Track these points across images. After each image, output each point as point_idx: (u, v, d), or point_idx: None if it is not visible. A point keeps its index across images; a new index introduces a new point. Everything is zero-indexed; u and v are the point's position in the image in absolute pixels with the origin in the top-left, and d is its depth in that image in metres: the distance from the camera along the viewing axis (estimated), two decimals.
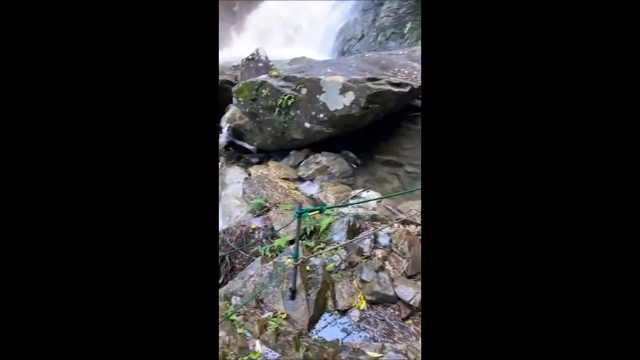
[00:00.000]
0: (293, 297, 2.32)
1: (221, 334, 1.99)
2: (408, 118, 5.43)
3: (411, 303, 2.34)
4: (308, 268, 2.52)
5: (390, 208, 3.59)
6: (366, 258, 2.72)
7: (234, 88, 4.94)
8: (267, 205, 3.55)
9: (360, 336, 2.20)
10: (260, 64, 5.99)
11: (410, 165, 4.66)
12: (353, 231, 3.05)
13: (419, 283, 2.49)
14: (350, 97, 4.14)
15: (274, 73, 4.66)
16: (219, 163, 5.05)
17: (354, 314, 2.34)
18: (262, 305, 2.35)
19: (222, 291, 2.54)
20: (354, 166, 4.70)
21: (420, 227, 3.07)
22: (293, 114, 4.45)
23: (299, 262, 2.27)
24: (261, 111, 4.66)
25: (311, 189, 4.20)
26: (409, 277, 2.58)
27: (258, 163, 4.95)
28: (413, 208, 3.46)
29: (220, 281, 2.79)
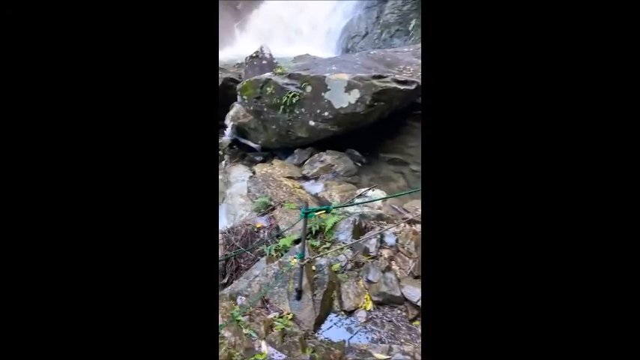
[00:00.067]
0: (299, 297, 2.30)
1: (227, 334, 1.98)
2: (413, 116, 5.38)
3: (418, 304, 2.31)
4: (314, 268, 2.50)
5: (396, 207, 3.56)
6: (373, 258, 2.69)
7: (238, 86, 4.92)
8: (272, 203, 3.53)
9: (367, 337, 2.18)
10: (264, 62, 5.96)
11: (415, 163, 4.62)
12: (359, 230, 3.03)
13: None
14: (355, 94, 4.10)
15: (279, 70, 4.63)
16: (224, 162, 5.03)
17: (361, 315, 2.31)
18: (268, 305, 2.34)
19: (227, 291, 2.52)
20: (359, 164, 4.67)
21: None
22: (298, 112, 4.42)
23: (305, 262, 2.25)
24: (265, 109, 4.63)
25: (316, 188, 4.17)
26: (416, 278, 2.55)
27: (263, 161, 4.93)
28: (419, 207, 3.43)
29: (225, 281, 2.77)
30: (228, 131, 5.30)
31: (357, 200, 3.63)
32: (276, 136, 4.80)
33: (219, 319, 2.07)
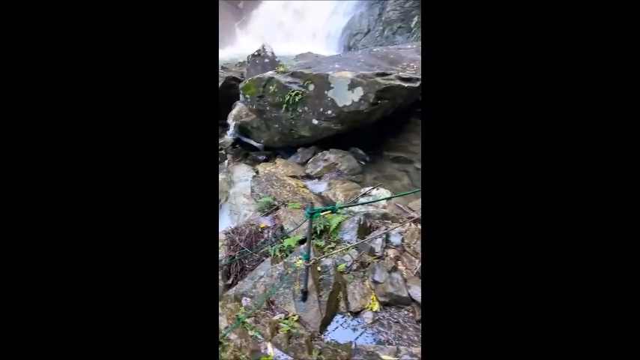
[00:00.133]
0: (304, 298, 2.27)
1: (232, 336, 1.95)
2: (416, 113, 5.34)
3: None
4: (319, 268, 2.47)
5: (401, 206, 3.53)
6: (378, 258, 2.66)
7: (240, 85, 4.90)
8: (276, 203, 3.50)
9: (374, 338, 2.15)
10: (266, 60, 5.92)
11: (419, 162, 4.58)
12: (364, 230, 3.00)
13: None
14: (359, 92, 4.06)
15: (281, 69, 4.60)
16: (226, 161, 5.01)
17: (367, 316, 2.29)
18: (273, 307, 2.31)
19: (232, 292, 2.50)
20: (363, 163, 4.63)
21: None
22: (300, 110, 4.39)
23: (311, 263, 2.22)
24: (268, 108, 4.60)
25: (319, 187, 4.14)
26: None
27: (265, 160, 4.91)
28: None
29: (230, 282, 2.75)
30: (230, 130, 5.28)
31: (361, 199, 3.60)
32: (279, 134, 4.77)
33: (225, 321, 2.05)
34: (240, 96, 4.89)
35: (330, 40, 10.65)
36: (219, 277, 2.78)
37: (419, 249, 2.69)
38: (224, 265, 2.82)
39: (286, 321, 2.18)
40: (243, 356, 1.89)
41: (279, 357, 1.92)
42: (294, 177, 4.22)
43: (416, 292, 2.36)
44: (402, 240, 2.83)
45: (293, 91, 4.32)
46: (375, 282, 2.46)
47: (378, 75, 4.15)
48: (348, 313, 2.31)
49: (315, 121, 4.35)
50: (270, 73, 4.65)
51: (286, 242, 2.81)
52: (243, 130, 5.16)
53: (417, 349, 2.03)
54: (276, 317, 2.23)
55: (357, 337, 2.18)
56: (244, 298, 2.39)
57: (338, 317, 2.28)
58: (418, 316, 2.27)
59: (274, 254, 2.78)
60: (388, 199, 3.48)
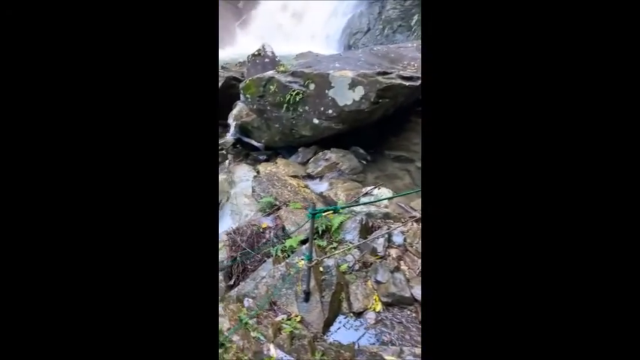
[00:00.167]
0: (307, 299, 2.26)
1: (235, 338, 1.94)
2: (417, 112, 5.32)
3: None
4: (321, 269, 2.46)
5: (403, 205, 3.51)
6: (381, 258, 2.65)
7: (241, 85, 4.88)
8: (277, 203, 3.49)
9: (377, 339, 2.14)
10: (266, 60, 5.91)
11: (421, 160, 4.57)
12: (366, 230, 2.98)
13: None
14: (359, 91, 4.05)
15: (282, 68, 4.58)
16: (227, 161, 4.99)
17: (370, 316, 2.27)
18: (276, 308, 2.30)
19: (234, 292, 2.49)
20: (364, 162, 4.62)
21: None
22: (301, 110, 4.37)
23: (313, 263, 2.21)
24: (268, 107, 4.59)
25: (320, 186, 4.13)
26: None
27: (266, 160, 4.89)
28: None
29: (232, 282, 2.74)
30: (231, 130, 5.27)
31: (363, 199, 3.58)
32: (279, 134, 4.76)
33: (227, 322, 2.04)
34: (241, 96, 4.87)
35: (330, 39, 10.63)
36: (221, 277, 2.77)
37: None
38: (226, 266, 2.81)
39: (289, 322, 2.17)
40: (246, 358, 1.88)
41: (281, 358, 1.91)
42: (295, 177, 4.20)
43: (419, 292, 2.34)
44: (405, 240, 2.81)
45: (294, 91, 4.31)
46: (378, 282, 2.45)
47: (379, 74, 4.14)
48: (351, 314, 2.30)
49: (315, 121, 4.34)
50: (270, 73, 4.64)
51: (288, 242, 2.80)
52: (243, 130, 5.15)
53: (420, 350, 2.01)
54: (278, 318, 2.22)
55: (360, 338, 2.17)
56: (246, 299, 2.38)
57: (340, 318, 2.27)
58: (421, 317, 2.26)
59: (276, 255, 2.77)
60: (390, 198, 3.47)
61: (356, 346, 2.08)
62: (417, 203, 3.51)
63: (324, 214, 2.93)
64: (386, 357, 1.97)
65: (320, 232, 2.93)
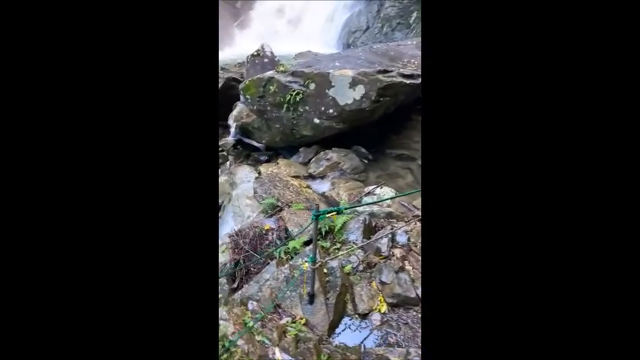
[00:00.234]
0: (311, 301, 2.24)
1: (239, 342, 1.92)
2: (418, 110, 5.30)
3: None
4: (325, 270, 2.44)
5: (406, 204, 3.49)
6: (385, 258, 2.63)
7: (240, 86, 4.86)
8: (280, 204, 3.47)
9: (383, 341, 2.12)
10: (265, 60, 5.88)
11: None
12: (369, 230, 2.96)
13: None
14: (360, 90, 4.02)
15: (281, 68, 4.56)
16: (228, 162, 4.97)
17: (375, 318, 2.25)
18: (280, 310, 2.28)
19: (238, 296, 2.47)
20: (366, 161, 4.60)
21: None
22: (302, 110, 4.35)
23: (317, 265, 2.18)
24: (269, 108, 4.56)
25: (322, 186, 4.11)
26: None
27: (267, 161, 4.87)
28: None
29: (236, 285, 2.72)
30: (231, 131, 5.24)
31: (365, 198, 3.56)
32: (280, 134, 4.74)
33: (231, 326, 2.02)
34: (241, 97, 4.85)
35: (328, 37, 10.58)
36: (225, 280, 2.75)
37: None
38: (230, 269, 2.79)
39: (293, 325, 2.15)
40: None
41: None
42: (296, 177, 4.18)
43: None
44: (408, 239, 2.79)
45: (294, 91, 4.29)
46: (383, 283, 2.42)
47: (380, 72, 4.11)
48: (356, 316, 2.28)
49: (316, 121, 4.32)
50: (270, 73, 4.61)
51: (291, 244, 2.78)
52: (244, 130, 5.12)
53: None
54: (283, 321, 2.20)
55: (366, 340, 2.15)
56: (250, 302, 2.36)
57: (346, 320, 2.25)
58: None
59: (279, 257, 2.74)
60: (392, 198, 3.44)
61: (362, 349, 2.06)
62: (419, 202, 3.49)
63: (327, 215, 2.90)
64: (392, 359, 1.95)
65: (323, 233, 2.91)
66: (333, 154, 4.41)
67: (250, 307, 2.34)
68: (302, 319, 2.20)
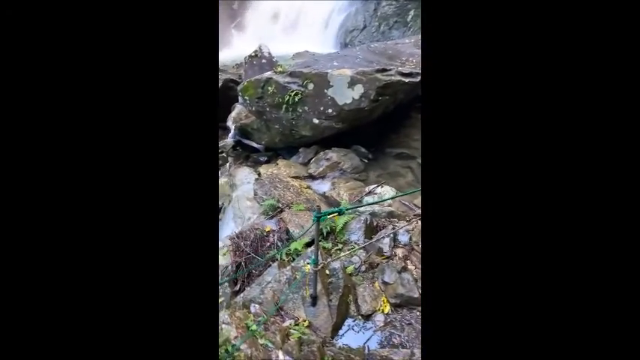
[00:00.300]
0: (314, 303, 2.22)
1: (242, 346, 1.90)
2: (417, 108, 5.28)
3: None
4: (327, 272, 2.42)
5: (407, 203, 3.48)
6: (387, 258, 2.61)
7: (239, 87, 4.84)
8: (280, 205, 3.45)
9: (387, 342, 2.10)
10: (263, 61, 5.86)
11: None
12: (370, 230, 2.95)
13: None
14: (359, 90, 4.01)
15: (279, 69, 4.54)
16: (228, 164, 4.96)
17: (379, 319, 2.24)
18: (283, 313, 2.26)
19: (240, 298, 2.45)
20: (366, 160, 4.58)
21: None
22: (301, 110, 4.34)
23: (319, 267, 2.17)
24: (267, 109, 4.55)
25: (323, 186, 4.09)
26: None
27: (267, 161, 4.86)
28: None
29: (237, 288, 2.70)
30: (230, 133, 5.23)
31: (366, 198, 3.55)
32: (279, 135, 4.72)
33: (234, 330, 2.00)
34: (239, 98, 4.83)
35: (326, 37, 10.56)
36: (227, 284, 2.73)
37: None
38: (231, 272, 2.77)
39: (296, 327, 2.14)
40: None
41: None
42: (297, 178, 4.17)
43: None
44: (410, 238, 2.78)
45: (292, 91, 4.27)
46: (385, 283, 2.41)
47: (378, 71, 4.10)
48: (359, 317, 2.26)
49: (315, 121, 4.30)
50: (268, 74, 4.60)
51: (293, 246, 2.76)
52: (243, 132, 5.11)
53: None
54: (286, 324, 2.18)
55: (370, 341, 2.13)
56: (253, 304, 2.34)
57: (349, 321, 2.24)
58: None
59: (281, 258, 2.73)
60: (394, 198, 3.43)
61: (366, 350, 2.04)
62: (420, 201, 3.47)
63: (330, 216, 2.89)
64: None
65: (324, 233, 2.90)
66: (333, 154, 4.39)
67: (253, 310, 2.32)
68: (305, 321, 2.19)
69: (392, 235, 2.78)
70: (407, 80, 4.18)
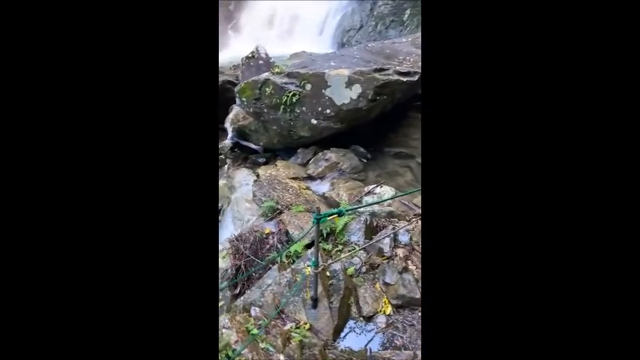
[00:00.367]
0: (315, 306, 2.21)
1: (243, 351, 1.89)
2: (415, 107, 5.27)
3: None
4: (328, 273, 2.41)
5: (407, 202, 3.46)
6: (388, 259, 2.60)
7: (236, 88, 4.81)
8: (279, 207, 3.43)
9: (390, 343, 2.09)
10: (260, 62, 5.84)
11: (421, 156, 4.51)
12: (370, 230, 2.93)
13: None
14: (357, 90, 3.99)
15: (277, 70, 4.52)
16: (226, 166, 4.94)
17: (380, 320, 2.22)
18: (283, 316, 2.24)
19: (240, 302, 2.43)
20: (365, 160, 4.56)
21: None
22: (298, 111, 4.31)
23: (320, 269, 2.15)
24: (265, 110, 4.52)
25: (322, 187, 4.07)
26: None
27: (265, 163, 4.83)
28: None
29: (237, 291, 2.68)
30: (228, 134, 5.20)
31: (366, 198, 3.53)
32: (277, 136, 4.70)
33: (234, 334, 1.98)
34: (237, 99, 4.81)
35: (322, 37, 10.54)
36: (227, 287, 2.71)
37: None
38: (231, 275, 2.75)
39: (298, 330, 2.12)
40: None
41: None
42: (295, 179, 4.15)
43: None
44: (411, 238, 2.76)
45: (290, 92, 4.25)
46: (386, 284, 2.39)
47: (376, 71, 4.08)
48: (361, 318, 2.25)
49: (313, 121, 4.28)
50: (265, 75, 4.57)
51: (293, 248, 2.74)
52: (241, 133, 5.09)
53: None
54: (287, 327, 2.16)
55: (372, 343, 2.11)
56: (253, 308, 2.32)
57: (351, 323, 2.22)
58: None
59: (281, 261, 2.71)
60: (393, 198, 3.41)
61: (368, 352, 2.03)
62: (419, 200, 3.46)
63: (330, 217, 2.87)
64: None
65: (324, 234, 2.88)
66: (332, 155, 4.37)
67: (253, 313, 2.30)
68: (306, 324, 2.17)
69: (392, 236, 2.77)
70: (405, 79, 4.17)
